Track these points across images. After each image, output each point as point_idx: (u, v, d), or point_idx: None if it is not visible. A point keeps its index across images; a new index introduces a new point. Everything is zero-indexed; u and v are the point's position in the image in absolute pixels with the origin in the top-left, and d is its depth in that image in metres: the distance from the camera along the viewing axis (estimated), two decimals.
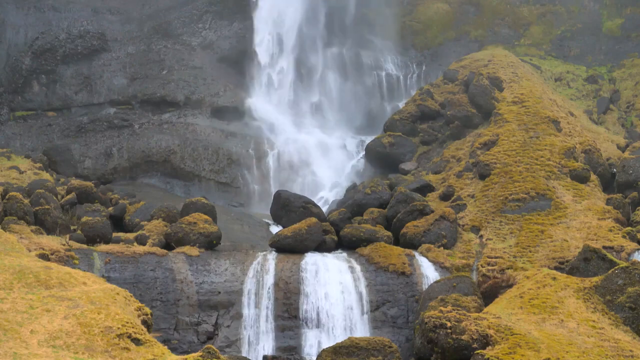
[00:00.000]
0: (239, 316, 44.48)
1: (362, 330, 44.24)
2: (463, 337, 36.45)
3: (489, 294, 44.99)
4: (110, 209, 51.70)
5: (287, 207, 52.50)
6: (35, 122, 65.93)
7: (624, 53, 73.42)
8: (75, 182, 53.90)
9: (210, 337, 43.91)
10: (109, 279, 41.83)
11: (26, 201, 46.87)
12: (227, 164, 65.83)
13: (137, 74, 68.41)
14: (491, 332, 36.65)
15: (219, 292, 44.83)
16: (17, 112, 66.46)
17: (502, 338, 36.34)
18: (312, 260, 46.26)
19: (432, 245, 48.07)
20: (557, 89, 69.32)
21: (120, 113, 66.80)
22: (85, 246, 44.86)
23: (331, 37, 74.89)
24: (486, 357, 35.06)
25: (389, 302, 45.20)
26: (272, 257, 46.51)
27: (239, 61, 70.75)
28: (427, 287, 45.01)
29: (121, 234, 48.04)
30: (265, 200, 63.05)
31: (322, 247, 48.45)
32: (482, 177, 54.05)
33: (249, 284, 45.04)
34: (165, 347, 32.91)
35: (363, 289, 45.28)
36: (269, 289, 44.87)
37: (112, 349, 30.70)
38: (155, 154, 65.24)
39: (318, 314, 44.37)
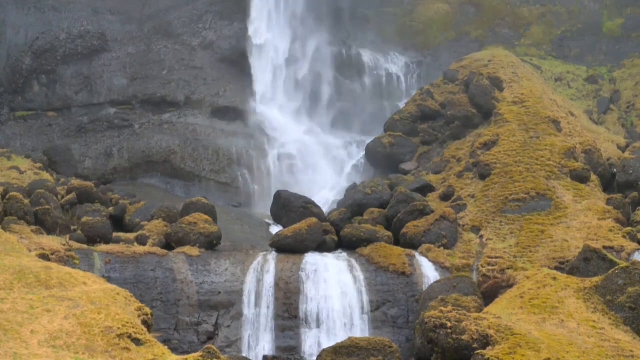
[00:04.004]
0: (239, 316, 44.49)
1: (362, 330, 44.25)
2: (463, 337, 36.45)
3: (489, 293, 44.98)
4: (110, 209, 51.70)
5: (287, 207, 52.50)
6: (35, 122, 65.94)
7: (624, 53, 73.44)
8: (75, 182, 53.89)
9: (210, 337, 43.92)
10: (109, 279, 41.83)
11: (26, 201, 46.87)
12: (227, 164, 65.85)
13: (137, 74, 68.41)
14: (491, 332, 36.65)
15: (219, 292, 44.84)
16: (17, 112, 66.45)
17: (502, 338, 36.34)
18: (312, 260, 46.26)
19: (432, 245, 48.06)
20: (557, 89, 69.32)
21: (120, 113, 66.81)
22: (85, 246, 44.86)
23: (331, 36, 74.89)
24: (486, 357, 35.07)
25: (389, 302, 45.21)
26: (272, 257, 46.52)
27: (239, 61, 70.73)
28: (427, 287, 45.01)
29: (121, 234, 48.04)
30: (265, 200, 63.05)
31: (322, 247, 48.44)
32: (482, 177, 54.05)
33: (249, 284, 45.05)
34: (165, 347, 32.89)
35: (363, 288, 45.29)
36: (269, 288, 44.88)
37: (112, 348, 30.70)
38: (155, 154, 65.26)
39: (318, 314, 44.38)
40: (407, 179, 58.06)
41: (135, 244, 46.45)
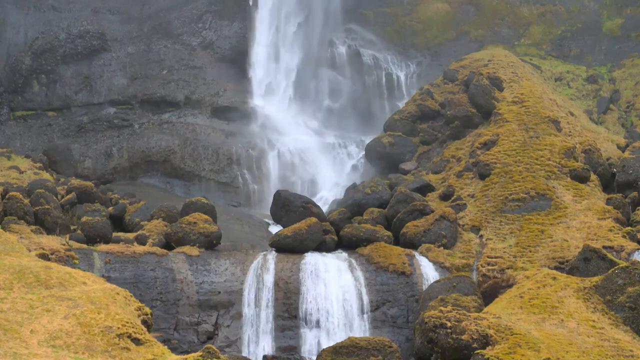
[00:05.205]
0: (239, 316, 44.49)
1: (362, 330, 44.25)
2: (463, 337, 36.45)
3: (489, 293, 44.99)
4: (110, 208, 51.73)
5: (287, 207, 52.46)
6: (35, 122, 65.98)
7: (624, 53, 73.42)
8: (75, 182, 53.93)
9: (210, 337, 43.92)
10: (109, 279, 41.84)
11: (26, 201, 46.89)
12: (227, 164, 65.86)
13: (137, 74, 68.45)
14: (491, 332, 36.66)
15: (219, 292, 44.84)
16: (17, 112, 66.52)
17: (502, 338, 36.35)
18: (312, 260, 46.25)
19: (432, 245, 48.05)
20: (557, 89, 69.32)
21: (120, 113, 66.84)
22: (85, 246, 44.86)
23: (331, 36, 74.90)
24: (486, 356, 35.07)
25: (389, 302, 45.21)
26: (272, 257, 46.51)
27: (239, 61, 70.79)
28: (427, 287, 45.01)
29: (121, 234, 48.05)
30: (265, 200, 63.10)
31: (322, 247, 48.43)
32: (482, 177, 54.04)
33: (249, 284, 45.05)
34: (165, 347, 32.91)
35: (363, 288, 45.29)
36: (269, 288, 44.87)
37: (112, 348, 30.70)
38: (155, 154, 65.30)
39: (318, 314, 44.38)
40: (407, 179, 58.05)
41: (135, 244, 46.45)
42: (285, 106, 71.46)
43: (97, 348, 30.54)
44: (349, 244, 48.84)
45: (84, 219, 47.64)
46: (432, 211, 50.36)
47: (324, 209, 56.47)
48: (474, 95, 62.18)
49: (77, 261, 43.14)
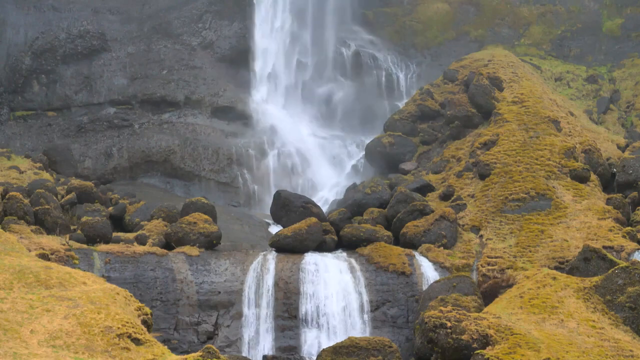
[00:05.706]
0: (239, 316, 44.49)
1: (362, 330, 44.25)
2: (463, 337, 36.45)
3: (489, 293, 44.99)
4: (110, 208, 51.73)
5: (287, 207, 52.46)
6: (35, 122, 65.98)
7: (624, 53, 73.44)
8: (75, 182, 53.93)
9: (210, 337, 43.92)
10: (109, 279, 41.84)
11: (26, 201, 46.89)
12: (227, 164, 65.86)
13: (137, 73, 68.44)
14: (491, 332, 36.66)
15: (219, 292, 44.84)
16: (17, 112, 66.51)
17: (502, 338, 36.35)
18: (312, 260, 46.25)
19: (432, 245, 48.06)
20: (557, 89, 69.32)
21: (120, 113, 66.84)
22: (85, 246, 44.86)
23: (331, 36, 74.89)
24: (486, 357, 35.07)
25: (389, 302, 45.21)
26: (272, 257, 46.52)
27: (239, 61, 70.76)
28: (427, 287, 45.01)
29: (121, 234, 48.05)
30: (265, 200, 63.09)
31: (322, 247, 48.43)
32: (482, 177, 54.05)
33: (249, 284, 45.05)
34: (165, 347, 32.90)
35: (363, 289, 45.29)
36: (269, 288, 44.88)
37: (112, 348, 30.70)
38: (155, 154, 65.29)
39: (318, 314, 44.38)
40: (407, 179, 58.06)
41: (135, 244, 46.45)
42: (285, 106, 71.44)
43: (97, 348, 30.55)
44: (349, 244, 48.84)
45: (84, 219, 47.64)
46: (432, 211, 50.37)
47: (324, 209, 56.47)
48: (474, 95, 62.19)
49: (77, 261, 43.14)
